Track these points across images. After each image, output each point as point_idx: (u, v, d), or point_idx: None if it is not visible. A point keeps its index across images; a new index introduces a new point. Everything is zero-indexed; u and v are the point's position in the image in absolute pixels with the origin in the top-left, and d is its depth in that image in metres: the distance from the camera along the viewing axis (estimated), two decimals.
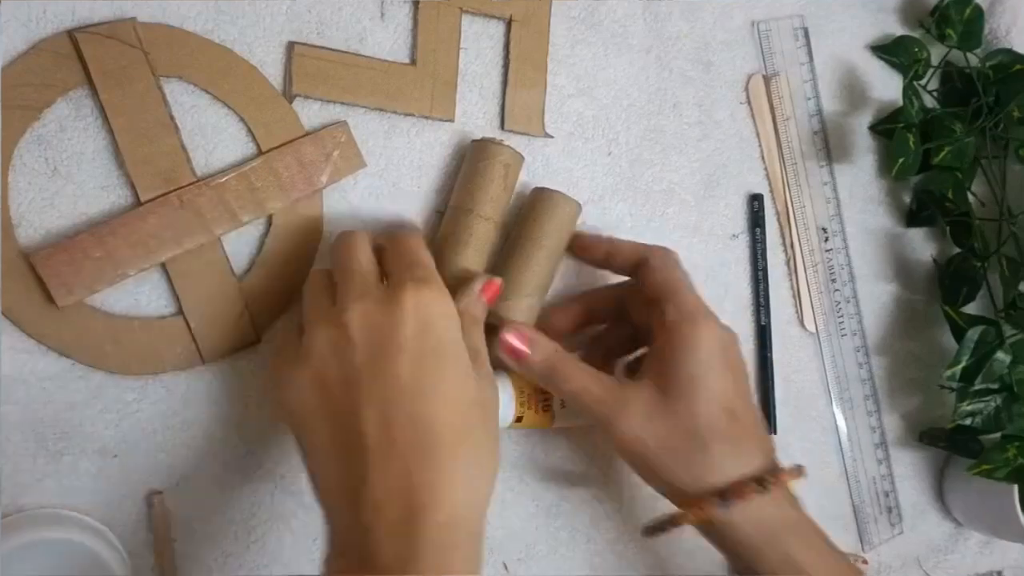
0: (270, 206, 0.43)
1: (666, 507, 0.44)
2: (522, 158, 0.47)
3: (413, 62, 0.47)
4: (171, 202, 0.42)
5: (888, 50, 0.60)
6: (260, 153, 0.44)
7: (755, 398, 0.55)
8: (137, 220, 0.41)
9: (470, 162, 0.46)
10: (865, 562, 0.58)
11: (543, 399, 0.47)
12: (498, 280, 0.43)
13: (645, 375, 0.43)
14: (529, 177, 0.50)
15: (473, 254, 0.45)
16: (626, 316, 0.48)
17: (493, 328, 0.43)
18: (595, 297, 0.49)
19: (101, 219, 0.41)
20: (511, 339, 0.43)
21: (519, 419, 0.46)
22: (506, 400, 0.45)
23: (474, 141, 0.47)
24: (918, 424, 0.61)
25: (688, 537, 0.54)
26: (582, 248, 0.48)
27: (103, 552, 0.39)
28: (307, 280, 0.41)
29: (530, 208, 0.47)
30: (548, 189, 0.47)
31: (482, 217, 0.45)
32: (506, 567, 0.49)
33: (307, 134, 0.44)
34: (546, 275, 0.47)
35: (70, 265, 0.40)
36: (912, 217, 0.61)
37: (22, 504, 0.40)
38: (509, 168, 0.46)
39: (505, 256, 0.47)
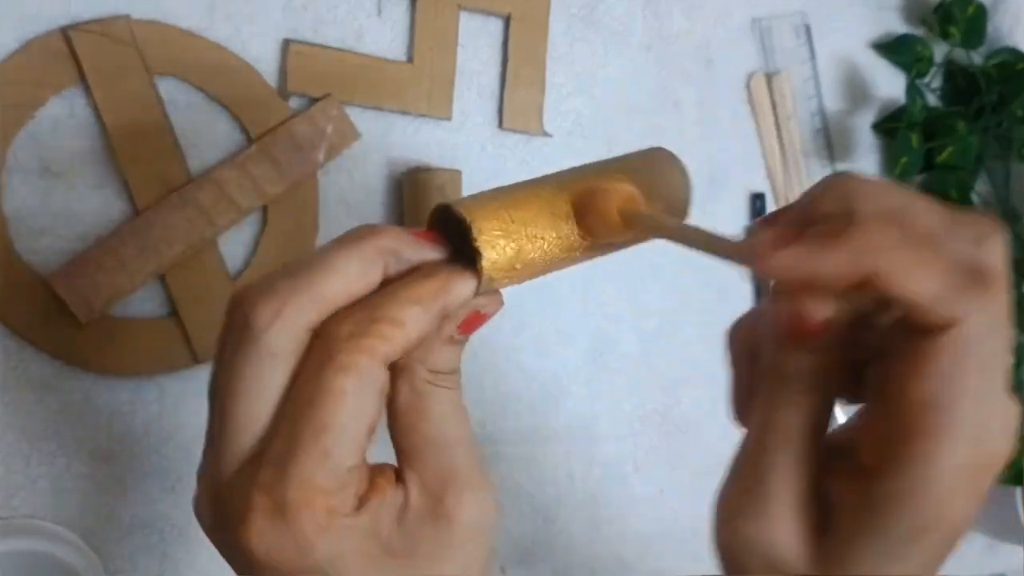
0: (271, 191, 0.43)
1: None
2: (459, 173, 0.46)
3: (410, 60, 0.46)
4: (173, 202, 0.41)
5: (891, 48, 0.59)
6: (253, 141, 0.43)
7: None
8: (145, 226, 0.41)
9: (408, 201, 0.46)
10: None
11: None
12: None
13: None
14: (529, 176, 0.49)
15: None
16: None
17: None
18: None
19: (95, 220, 0.41)
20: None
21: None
22: None
23: (403, 176, 0.46)
24: None
25: (687, 538, 0.53)
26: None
27: (75, 563, 0.39)
28: None
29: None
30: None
31: None
32: (503, 571, 0.49)
33: (297, 114, 0.44)
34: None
35: (86, 280, 0.40)
36: None
37: (15, 505, 0.40)
38: (445, 189, 0.45)
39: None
